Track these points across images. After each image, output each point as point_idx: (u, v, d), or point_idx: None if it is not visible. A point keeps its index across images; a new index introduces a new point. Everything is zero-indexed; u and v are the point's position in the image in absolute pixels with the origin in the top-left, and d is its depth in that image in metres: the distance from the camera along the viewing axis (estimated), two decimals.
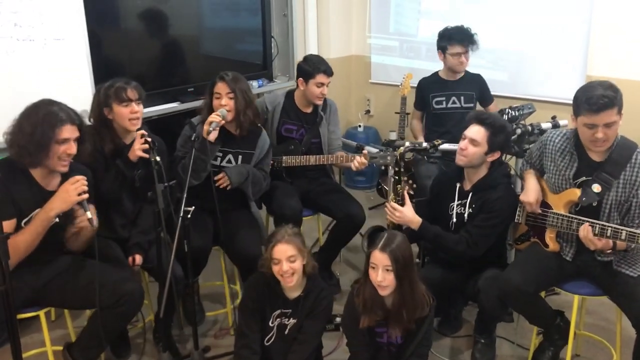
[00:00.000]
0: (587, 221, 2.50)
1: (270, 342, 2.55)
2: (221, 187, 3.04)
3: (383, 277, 2.29)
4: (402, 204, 2.85)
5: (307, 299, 2.53)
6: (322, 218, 3.70)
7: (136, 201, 2.93)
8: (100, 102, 2.77)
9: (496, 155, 2.80)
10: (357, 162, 3.21)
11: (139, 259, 2.83)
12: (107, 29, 3.48)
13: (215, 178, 3.03)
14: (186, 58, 4.03)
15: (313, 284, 2.54)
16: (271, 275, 2.48)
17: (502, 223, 2.82)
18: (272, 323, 2.54)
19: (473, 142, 2.76)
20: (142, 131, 2.70)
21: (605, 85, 2.42)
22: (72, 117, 2.42)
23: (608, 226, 2.42)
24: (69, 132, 2.39)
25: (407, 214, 2.84)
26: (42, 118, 2.35)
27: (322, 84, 3.39)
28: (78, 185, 2.35)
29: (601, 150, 2.52)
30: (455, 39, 3.79)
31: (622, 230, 2.38)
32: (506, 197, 2.79)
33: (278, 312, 2.53)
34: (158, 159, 2.56)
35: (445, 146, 3.34)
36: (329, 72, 3.40)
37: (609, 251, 2.47)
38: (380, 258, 2.30)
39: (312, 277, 2.54)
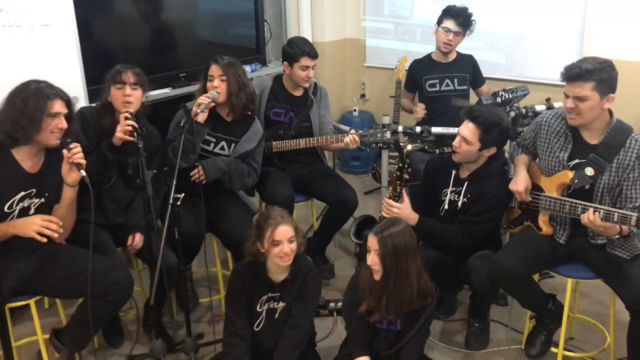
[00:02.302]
0: (581, 204, 2.47)
1: (260, 327, 2.54)
2: (196, 180, 2.97)
3: (373, 261, 2.29)
4: (400, 201, 2.84)
5: (294, 281, 2.51)
6: (315, 203, 3.69)
7: (129, 188, 2.91)
8: (104, 84, 2.80)
9: (492, 150, 2.77)
10: (349, 139, 3.18)
11: (139, 237, 2.82)
12: (96, 13, 3.44)
13: (191, 173, 2.98)
14: (177, 43, 3.99)
15: (299, 265, 2.52)
16: (256, 260, 2.47)
17: (497, 216, 2.83)
18: (260, 308, 2.53)
19: (465, 140, 2.73)
20: (126, 114, 2.65)
21: (596, 60, 2.39)
22: (61, 93, 2.44)
23: (614, 211, 2.33)
24: (60, 106, 2.40)
25: (404, 211, 2.83)
26: (33, 92, 2.37)
27: (307, 67, 3.35)
28: (44, 225, 2.33)
29: (575, 123, 2.49)
30: (452, 14, 3.73)
31: (614, 212, 2.34)
32: (502, 190, 2.77)
33: (266, 296, 2.52)
34: (141, 145, 2.52)
35: (438, 130, 3.32)
36: (313, 55, 3.35)
37: (616, 236, 2.41)
38: (371, 241, 2.30)
39: (297, 258, 2.50)
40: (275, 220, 2.41)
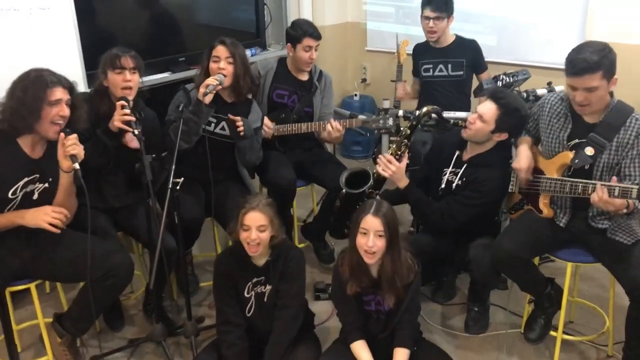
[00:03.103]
0: (581, 182, 2.46)
1: (252, 312, 2.56)
2: (238, 128, 2.98)
3: (374, 243, 2.28)
4: (399, 161, 2.80)
5: (276, 262, 2.52)
6: (316, 188, 3.69)
7: (127, 171, 2.90)
8: (100, 69, 2.77)
9: (503, 136, 2.74)
10: (330, 127, 3.19)
11: None
12: None
13: (235, 120, 2.98)
14: (177, 27, 3.97)
15: (280, 248, 2.52)
16: (239, 247, 2.48)
17: (484, 204, 2.77)
18: (247, 294, 2.54)
19: (481, 118, 2.71)
20: (122, 102, 2.62)
21: (595, 47, 2.36)
22: (63, 81, 2.42)
23: (615, 186, 2.33)
24: (60, 93, 2.39)
25: (400, 172, 2.80)
26: (32, 81, 2.36)
27: (310, 48, 3.35)
28: (56, 216, 2.37)
29: (585, 113, 2.48)
30: (425, 1, 3.68)
31: (615, 187, 2.32)
32: (497, 180, 2.75)
33: (251, 282, 2.53)
34: (137, 132, 2.52)
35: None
36: (316, 35, 3.35)
37: (624, 211, 2.38)
38: (372, 223, 2.29)
39: (279, 244, 2.52)
40: (251, 205, 2.41)
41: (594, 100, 2.41)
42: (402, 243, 2.38)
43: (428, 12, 3.66)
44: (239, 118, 2.99)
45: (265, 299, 2.54)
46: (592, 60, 2.31)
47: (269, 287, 2.54)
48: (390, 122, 3.13)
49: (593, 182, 2.42)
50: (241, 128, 2.98)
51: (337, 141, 3.37)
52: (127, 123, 2.58)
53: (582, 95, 2.39)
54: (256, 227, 2.39)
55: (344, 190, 2.92)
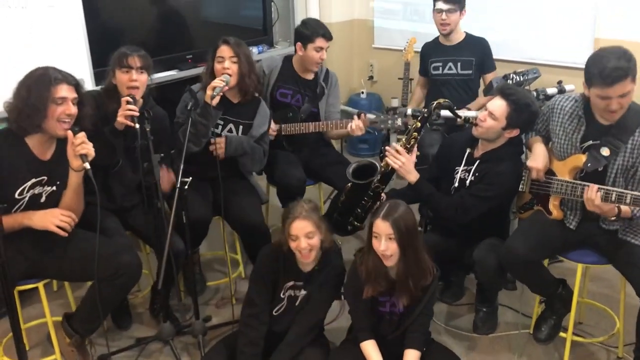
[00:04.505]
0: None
1: (279, 312, 2.55)
2: (214, 152, 2.95)
3: (386, 247, 2.27)
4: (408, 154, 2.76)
5: (321, 272, 2.51)
6: (323, 187, 3.68)
7: (137, 171, 2.89)
8: (110, 67, 2.76)
9: (514, 132, 2.71)
10: (354, 124, 3.17)
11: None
12: None
13: (214, 141, 2.96)
14: (184, 24, 3.96)
15: (329, 258, 2.51)
16: (288, 248, 2.46)
17: (497, 197, 2.74)
18: (283, 294, 2.53)
19: (492, 115, 2.68)
20: (127, 98, 2.60)
21: (618, 53, 2.33)
22: (69, 78, 2.40)
23: (612, 190, 2.35)
24: (66, 91, 2.36)
25: (409, 165, 2.75)
26: (36, 79, 2.34)
27: (321, 49, 3.34)
28: (64, 219, 2.38)
29: (617, 118, 2.45)
30: None
31: (627, 194, 2.32)
32: (510, 173, 2.72)
33: (291, 283, 2.52)
34: (148, 129, 2.51)
35: (447, 113, 3.28)
36: (328, 36, 3.34)
37: (612, 218, 2.40)
38: (382, 227, 2.28)
39: (328, 252, 2.51)
40: (294, 214, 2.39)
41: (626, 103, 2.40)
42: (421, 241, 2.37)
43: (441, 5, 3.66)
44: (220, 140, 2.98)
45: (297, 303, 2.54)
46: (624, 67, 2.30)
47: (304, 293, 2.53)
48: (399, 122, 3.11)
49: (606, 187, 2.40)
50: (218, 151, 2.96)
51: (355, 134, 3.31)
52: (132, 119, 2.56)
53: (617, 102, 2.36)
54: (304, 234, 2.37)
55: (349, 184, 2.88)
